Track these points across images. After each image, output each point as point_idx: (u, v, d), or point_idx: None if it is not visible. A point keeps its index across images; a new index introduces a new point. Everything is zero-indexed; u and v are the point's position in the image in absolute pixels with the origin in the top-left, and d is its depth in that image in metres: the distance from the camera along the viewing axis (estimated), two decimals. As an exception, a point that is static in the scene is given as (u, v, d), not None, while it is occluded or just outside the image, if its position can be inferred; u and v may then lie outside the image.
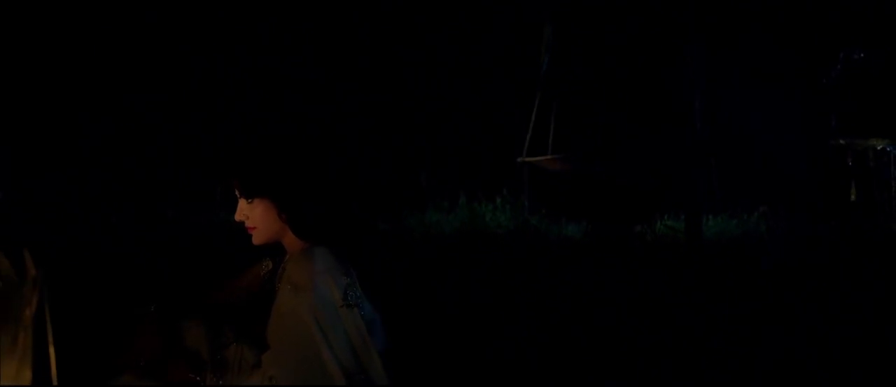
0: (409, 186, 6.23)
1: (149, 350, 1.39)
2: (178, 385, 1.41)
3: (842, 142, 4.37)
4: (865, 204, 4.37)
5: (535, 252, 4.51)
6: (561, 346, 2.61)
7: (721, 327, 2.85)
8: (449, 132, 6.55)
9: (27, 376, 0.70)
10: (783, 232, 4.56)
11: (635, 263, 4.16)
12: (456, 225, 5.43)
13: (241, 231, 1.60)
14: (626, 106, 5.66)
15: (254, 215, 1.52)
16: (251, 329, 1.53)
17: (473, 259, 4.26)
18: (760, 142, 5.55)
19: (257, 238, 1.55)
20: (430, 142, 6.52)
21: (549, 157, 5.53)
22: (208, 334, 1.49)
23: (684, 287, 3.59)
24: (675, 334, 2.75)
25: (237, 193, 1.53)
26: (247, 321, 1.56)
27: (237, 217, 1.54)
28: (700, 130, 4.55)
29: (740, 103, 5.60)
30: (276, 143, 1.54)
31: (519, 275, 3.84)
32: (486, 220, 5.54)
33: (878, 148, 4.21)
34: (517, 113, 6.51)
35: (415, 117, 6.49)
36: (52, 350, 0.73)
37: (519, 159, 5.60)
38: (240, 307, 1.64)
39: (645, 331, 2.79)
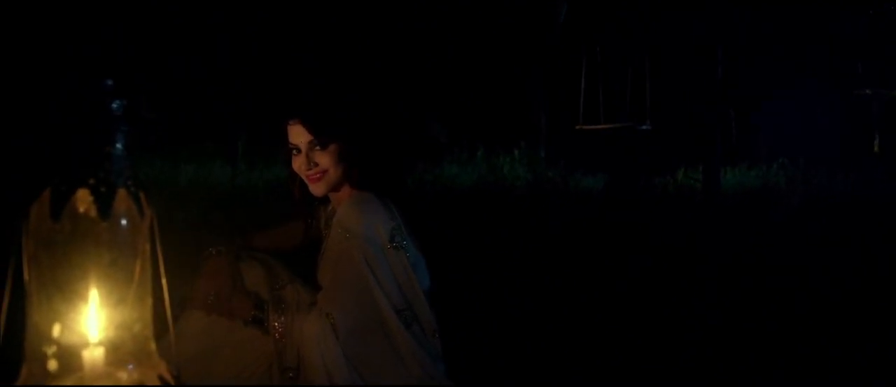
0: (424, 139, 6.25)
1: (216, 288, 1.48)
2: (243, 320, 1.51)
3: (867, 92, 4.33)
4: (890, 156, 4.35)
5: (555, 204, 4.57)
6: (579, 296, 2.69)
7: (734, 276, 2.92)
8: (465, 85, 6.52)
9: (149, 302, 0.78)
10: (802, 184, 4.57)
11: (654, 213, 4.21)
12: (474, 178, 5.46)
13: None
14: (652, 66, 5.68)
15: (324, 161, 1.55)
16: (303, 271, 1.62)
17: (492, 211, 4.32)
18: (782, 93, 5.51)
19: (324, 186, 1.57)
20: (445, 95, 6.51)
21: (603, 125, 5.80)
22: (266, 275, 1.57)
23: (701, 238, 3.65)
24: (690, 287, 2.82)
25: (309, 141, 1.55)
26: (299, 264, 1.65)
27: (304, 166, 1.56)
28: (720, 81, 4.53)
29: (762, 55, 5.54)
30: (352, 88, 1.60)
31: (538, 226, 3.90)
32: (504, 172, 5.55)
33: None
34: (532, 66, 6.46)
35: (430, 70, 6.46)
36: (164, 282, 0.81)
37: (576, 126, 5.78)
38: (288, 252, 1.73)
39: (661, 282, 2.86)
